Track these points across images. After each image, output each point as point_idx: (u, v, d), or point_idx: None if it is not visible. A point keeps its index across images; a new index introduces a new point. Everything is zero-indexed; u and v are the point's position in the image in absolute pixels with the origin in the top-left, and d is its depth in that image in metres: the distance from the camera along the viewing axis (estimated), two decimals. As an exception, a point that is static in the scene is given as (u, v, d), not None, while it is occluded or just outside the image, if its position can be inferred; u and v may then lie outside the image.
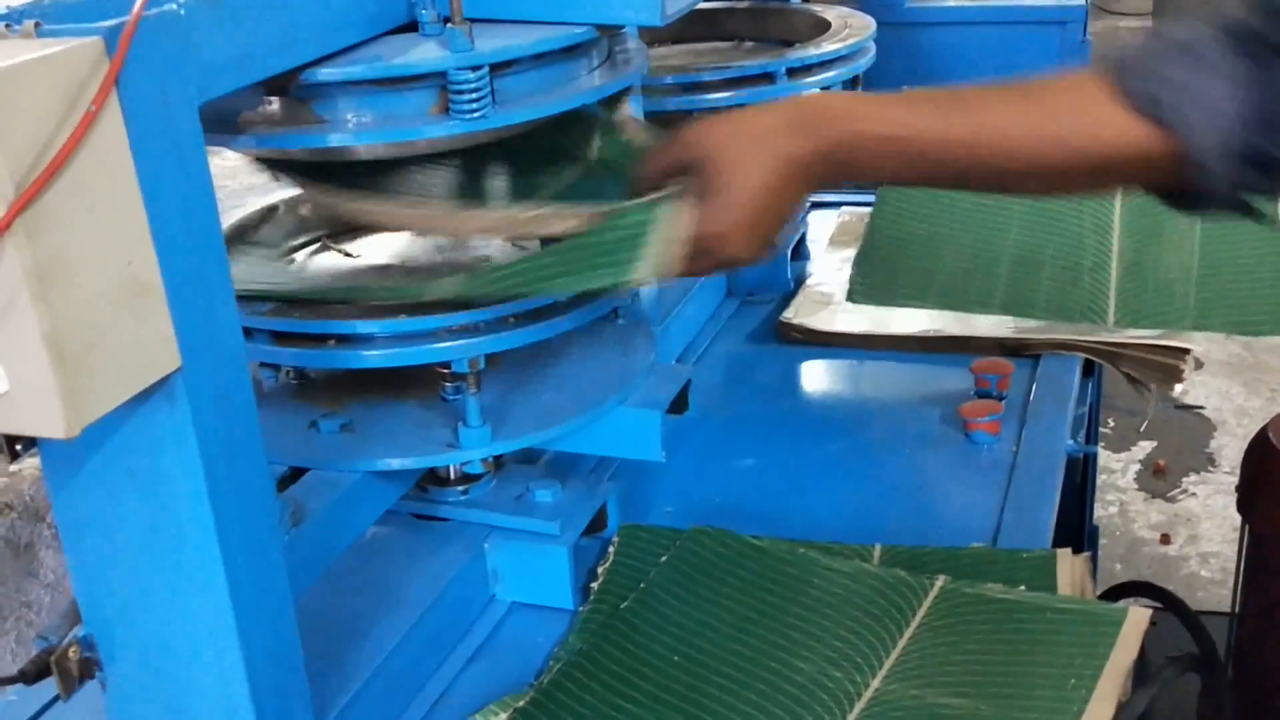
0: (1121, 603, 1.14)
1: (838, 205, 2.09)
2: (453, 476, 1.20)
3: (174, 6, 0.73)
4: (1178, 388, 1.58)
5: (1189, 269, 1.63)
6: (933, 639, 1.06)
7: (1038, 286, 1.64)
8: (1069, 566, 1.14)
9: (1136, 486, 3.29)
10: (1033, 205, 1.69)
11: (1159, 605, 1.83)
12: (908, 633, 1.06)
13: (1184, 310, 1.57)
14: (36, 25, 0.70)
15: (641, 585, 1.14)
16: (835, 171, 0.97)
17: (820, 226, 2.01)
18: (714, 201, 0.95)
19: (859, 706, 0.99)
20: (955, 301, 1.52)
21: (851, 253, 1.91)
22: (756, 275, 1.79)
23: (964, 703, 0.98)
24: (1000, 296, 1.61)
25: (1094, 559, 2.26)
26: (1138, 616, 1.05)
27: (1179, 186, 0.97)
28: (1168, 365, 1.57)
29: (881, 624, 1.08)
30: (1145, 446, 3.44)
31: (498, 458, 1.21)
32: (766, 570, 1.15)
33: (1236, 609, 1.77)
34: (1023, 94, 0.99)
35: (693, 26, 1.90)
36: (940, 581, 1.12)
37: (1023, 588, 1.11)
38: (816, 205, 2.07)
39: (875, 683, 1.01)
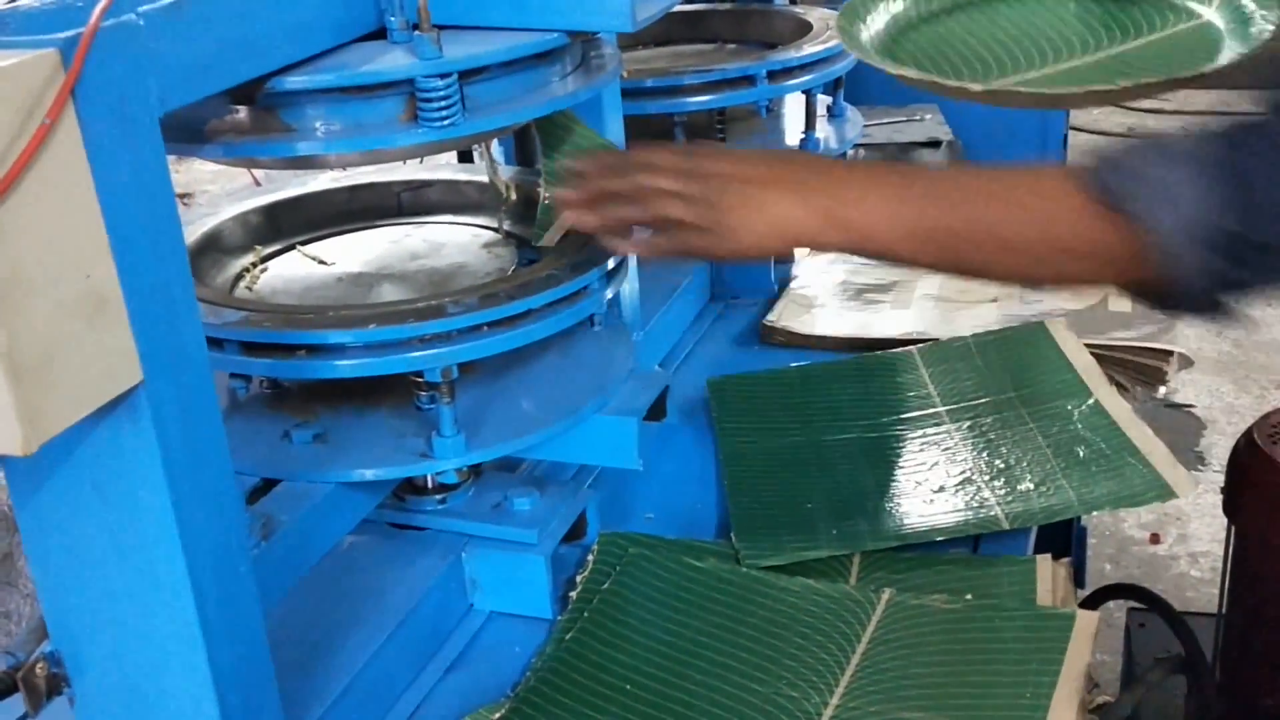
0: (1084, 608, 1.13)
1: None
2: (430, 485, 1.19)
3: (132, 17, 0.72)
4: (1162, 389, 1.57)
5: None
6: (886, 653, 1.05)
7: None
8: (1049, 572, 1.13)
9: (1126, 486, 3.27)
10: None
11: (1145, 607, 1.82)
12: (860, 648, 1.06)
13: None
14: (-8, 37, 0.69)
15: (585, 614, 1.12)
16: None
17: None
18: (718, 241, 1.04)
19: None
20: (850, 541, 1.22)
21: (837, 254, 1.90)
22: (740, 278, 1.79)
23: (925, 716, 0.98)
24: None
25: (1082, 560, 2.26)
26: (1086, 620, 1.05)
27: (1154, 282, 0.96)
28: (1152, 367, 1.57)
29: (833, 640, 1.07)
30: (1135, 445, 3.42)
31: (475, 466, 1.20)
32: (710, 591, 1.14)
33: (1223, 610, 1.76)
34: (1005, 185, 1.03)
35: (674, 29, 1.90)
36: (886, 595, 1.12)
37: (968, 596, 1.11)
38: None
39: (834, 700, 1.01)
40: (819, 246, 1.07)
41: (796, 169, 1.06)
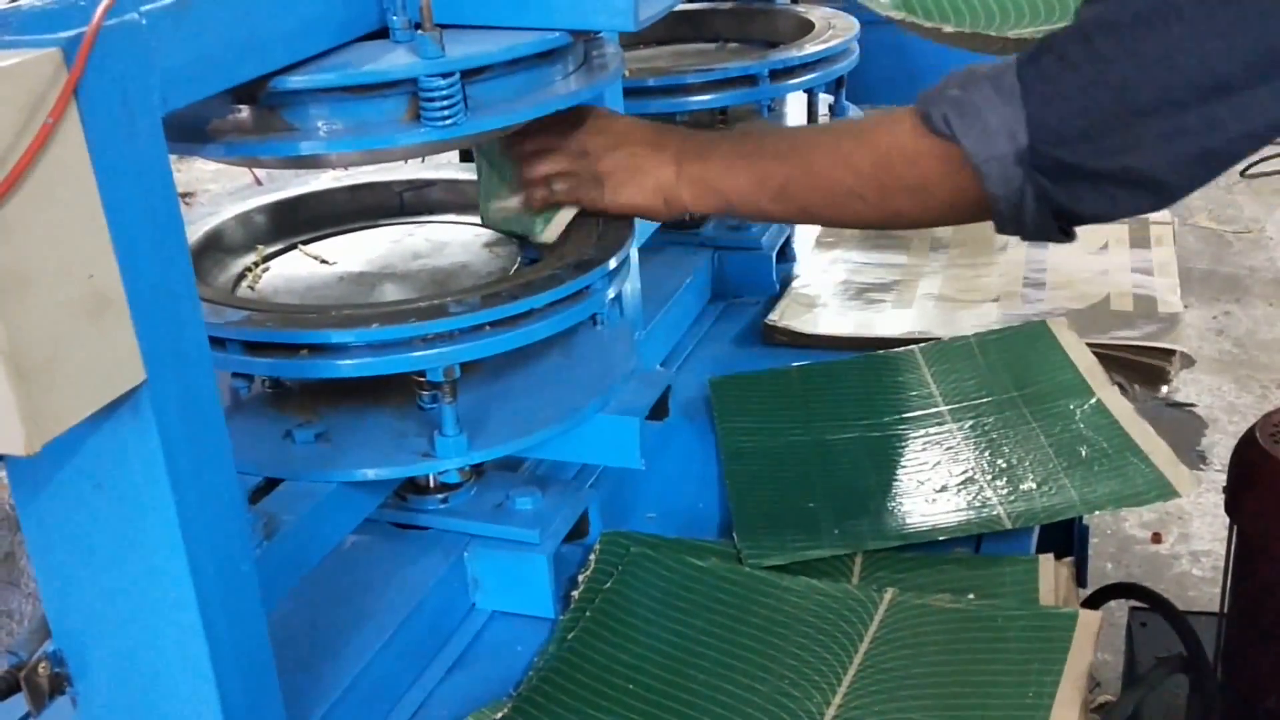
0: (1089, 607, 1.14)
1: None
2: (432, 485, 1.19)
3: (135, 16, 0.72)
4: (1164, 389, 1.57)
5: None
6: (888, 653, 1.05)
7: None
8: (1051, 572, 1.13)
9: (1128, 485, 3.27)
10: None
11: (1147, 606, 1.82)
12: (862, 648, 1.06)
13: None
14: (-5, 36, 0.69)
15: (588, 613, 1.12)
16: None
17: (807, 228, 2.00)
18: (601, 195, 1.17)
19: None
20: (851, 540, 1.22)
21: (839, 254, 1.91)
22: (742, 278, 1.79)
23: (928, 716, 0.98)
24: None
25: (1084, 559, 2.25)
26: (1088, 619, 1.05)
27: (990, 206, 1.00)
28: (1154, 367, 1.57)
29: (835, 640, 1.07)
30: (1136, 445, 3.42)
31: (478, 465, 1.20)
32: (712, 591, 1.14)
33: (1225, 609, 1.76)
34: (839, 133, 1.15)
35: (677, 28, 1.90)
36: (889, 595, 1.11)
37: (971, 596, 1.11)
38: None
39: (837, 700, 1.01)
40: (698, 210, 1.16)
41: (675, 140, 1.17)
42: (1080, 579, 2.08)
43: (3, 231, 0.65)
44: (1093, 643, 1.02)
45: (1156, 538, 3.05)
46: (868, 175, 1.05)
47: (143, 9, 0.73)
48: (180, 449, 0.77)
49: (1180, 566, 2.95)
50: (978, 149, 0.96)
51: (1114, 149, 0.92)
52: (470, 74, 0.96)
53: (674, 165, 1.13)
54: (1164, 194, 0.95)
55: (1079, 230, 1.02)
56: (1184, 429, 3.47)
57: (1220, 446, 3.34)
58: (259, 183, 1.34)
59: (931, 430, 1.38)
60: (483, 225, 1.27)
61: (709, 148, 1.15)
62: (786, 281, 1.80)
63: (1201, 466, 3.29)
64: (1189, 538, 3.04)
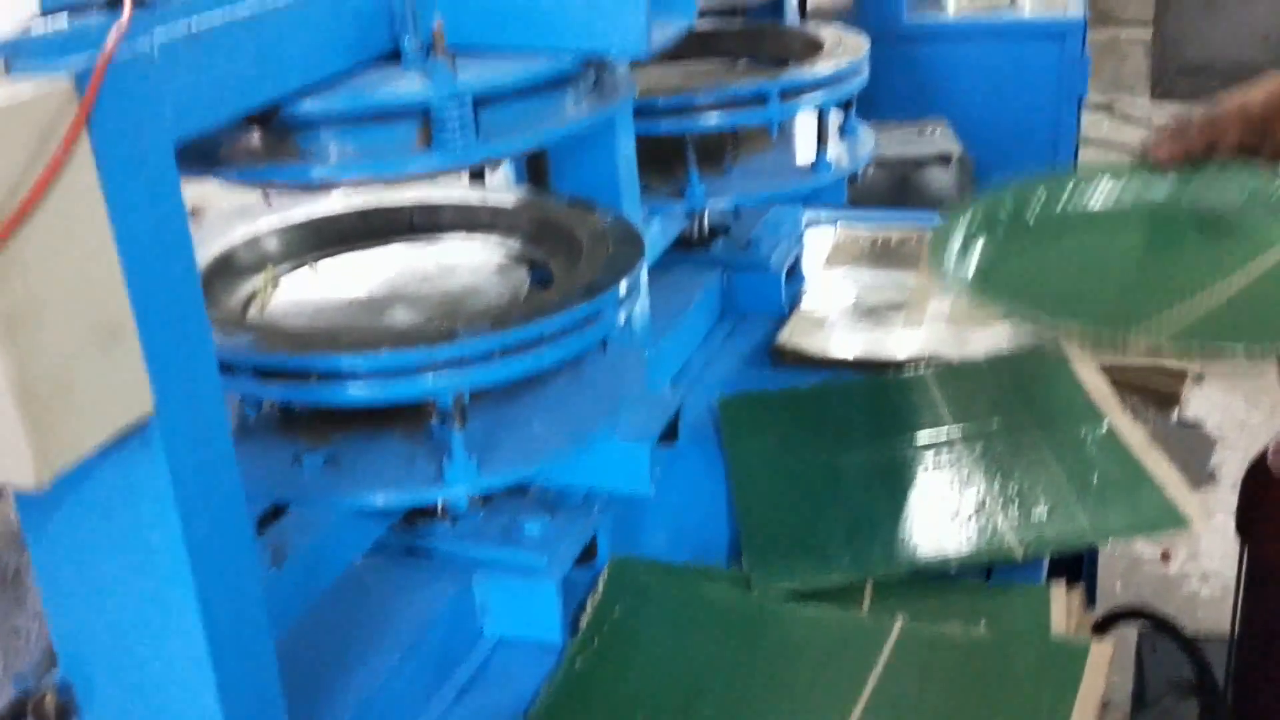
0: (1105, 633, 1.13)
1: (833, 222, 2.08)
2: (440, 509, 1.18)
3: (146, 46, 0.72)
4: (1175, 411, 1.57)
5: None
6: (898, 683, 1.04)
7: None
8: (1063, 602, 1.12)
9: (1136, 503, 3.26)
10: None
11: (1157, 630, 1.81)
12: (872, 678, 1.05)
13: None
14: (6, 64, 0.69)
15: (596, 641, 1.12)
16: None
17: (816, 246, 1.99)
18: None
19: None
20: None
21: (847, 271, 1.90)
22: (751, 297, 1.78)
23: None
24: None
25: (1093, 579, 2.24)
26: (1101, 651, 1.04)
27: None
28: (1166, 390, 1.56)
29: (844, 670, 1.06)
30: (1145, 462, 3.40)
31: (486, 489, 1.19)
32: (721, 619, 1.13)
33: (1235, 632, 1.75)
34: None
35: (687, 47, 1.89)
36: (899, 623, 1.10)
37: (982, 623, 1.10)
38: (813, 224, 2.06)
39: None
40: None
41: None
42: (1089, 598, 2.07)
43: (14, 263, 0.64)
44: (1105, 675, 1.01)
45: (1165, 557, 3.04)
46: None
47: (155, 40, 0.73)
48: (189, 479, 0.77)
49: (1189, 586, 2.94)
50: None
51: None
52: (482, 99, 0.96)
53: None
54: None
55: None
56: (1193, 446, 3.45)
57: (1229, 464, 3.31)
58: (269, 203, 1.33)
59: (942, 454, 1.38)
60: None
61: None
62: (795, 301, 1.80)
63: (1211, 484, 3.27)
64: (1198, 556, 3.03)
